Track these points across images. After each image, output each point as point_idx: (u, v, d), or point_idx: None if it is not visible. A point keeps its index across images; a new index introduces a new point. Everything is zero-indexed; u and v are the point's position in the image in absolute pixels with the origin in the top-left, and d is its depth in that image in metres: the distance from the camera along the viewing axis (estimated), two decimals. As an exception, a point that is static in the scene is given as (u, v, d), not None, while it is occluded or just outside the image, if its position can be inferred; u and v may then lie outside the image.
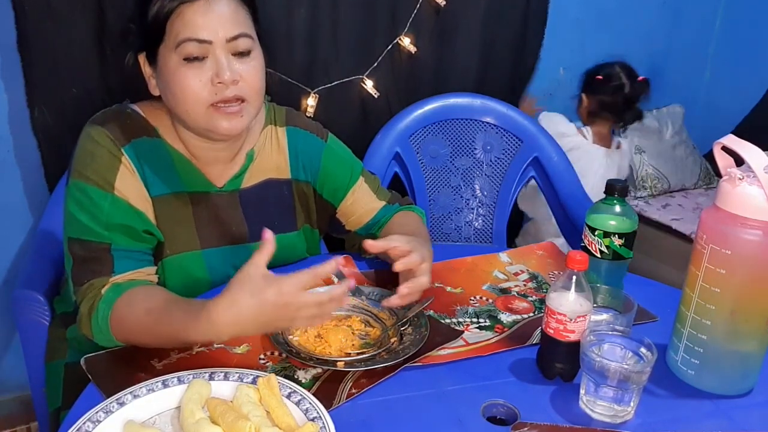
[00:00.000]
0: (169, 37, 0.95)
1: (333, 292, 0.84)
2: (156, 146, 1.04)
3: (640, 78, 2.14)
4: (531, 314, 1.06)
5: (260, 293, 0.80)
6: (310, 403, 0.79)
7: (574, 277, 0.86)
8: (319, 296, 0.83)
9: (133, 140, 1.01)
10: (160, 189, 1.04)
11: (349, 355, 0.92)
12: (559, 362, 0.88)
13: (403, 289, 0.97)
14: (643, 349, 0.84)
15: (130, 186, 1.00)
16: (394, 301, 0.98)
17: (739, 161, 0.83)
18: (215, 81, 0.95)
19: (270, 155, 1.15)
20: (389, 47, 1.90)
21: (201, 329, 0.83)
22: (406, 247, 1.01)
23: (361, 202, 1.21)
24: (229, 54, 0.96)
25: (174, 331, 0.87)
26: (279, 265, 1.18)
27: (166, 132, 1.06)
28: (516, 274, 1.19)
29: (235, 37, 0.96)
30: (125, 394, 0.80)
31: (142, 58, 1.02)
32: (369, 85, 1.89)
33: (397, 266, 1.00)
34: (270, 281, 0.81)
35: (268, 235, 0.83)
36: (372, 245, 1.00)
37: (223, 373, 0.84)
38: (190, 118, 0.99)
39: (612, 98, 2.13)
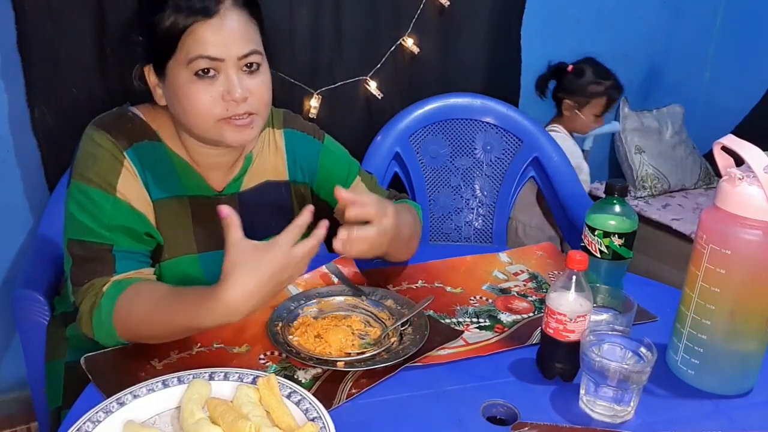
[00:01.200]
0: (181, 52, 0.95)
1: (315, 233, 0.89)
2: (157, 150, 1.05)
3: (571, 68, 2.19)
4: (531, 314, 1.06)
5: (258, 266, 0.84)
6: (310, 403, 0.79)
7: (574, 277, 0.86)
8: (308, 243, 0.88)
9: (135, 144, 1.02)
10: (160, 192, 1.04)
11: (349, 355, 0.92)
12: (559, 362, 0.88)
13: (343, 232, 0.95)
14: (642, 349, 0.84)
15: (131, 189, 1.00)
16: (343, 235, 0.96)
17: (739, 161, 0.83)
18: (226, 98, 0.96)
19: (268, 158, 1.15)
20: (392, 48, 1.90)
21: (215, 314, 0.84)
22: (368, 202, 0.99)
23: None
24: (239, 70, 0.97)
25: (185, 319, 0.87)
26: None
27: (167, 136, 1.06)
28: (516, 274, 1.19)
29: (246, 55, 0.97)
30: (125, 394, 0.80)
31: (148, 69, 1.02)
32: (373, 86, 1.89)
33: (349, 211, 0.97)
34: (261, 251, 0.85)
35: (225, 209, 0.87)
36: (340, 191, 0.98)
37: (223, 373, 0.84)
38: (199, 130, 0.99)
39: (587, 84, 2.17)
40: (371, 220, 0.98)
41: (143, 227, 1.01)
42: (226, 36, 0.95)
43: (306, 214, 0.89)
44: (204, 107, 0.96)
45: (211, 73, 0.96)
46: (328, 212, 1.23)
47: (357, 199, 0.99)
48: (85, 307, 0.94)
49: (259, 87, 0.99)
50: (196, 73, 0.95)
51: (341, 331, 0.96)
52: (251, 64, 0.98)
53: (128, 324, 0.92)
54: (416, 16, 1.88)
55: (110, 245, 0.97)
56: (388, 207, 1.01)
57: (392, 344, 0.95)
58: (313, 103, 1.84)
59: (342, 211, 1.22)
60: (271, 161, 1.16)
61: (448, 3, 1.90)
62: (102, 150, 0.99)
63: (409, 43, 1.90)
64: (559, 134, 2.18)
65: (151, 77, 1.02)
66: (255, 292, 0.83)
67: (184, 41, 0.95)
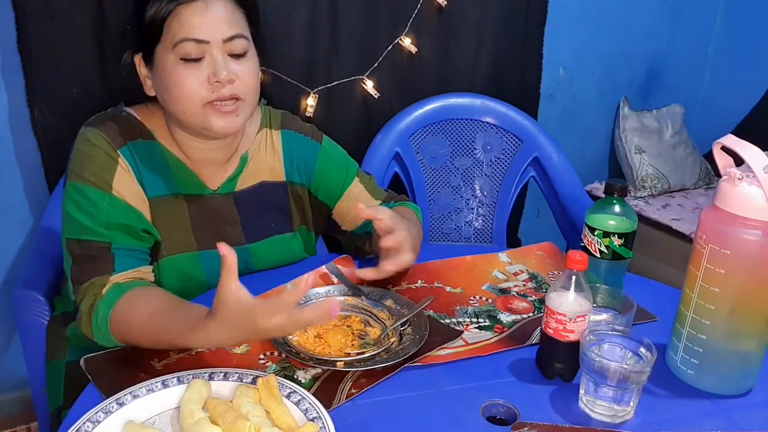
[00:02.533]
0: (166, 37, 0.96)
1: (319, 309, 0.79)
2: (151, 148, 1.05)
3: None
4: (530, 314, 1.06)
5: (246, 324, 0.79)
6: (309, 403, 0.79)
7: (574, 277, 0.86)
8: (318, 311, 0.79)
9: (129, 142, 1.02)
10: (156, 190, 1.04)
11: (348, 355, 0.92)
12: (559, 362, 0.88)
13: (389, 266, 0.97)
14: (642, 349, 0.84)
15: (127, 186, 1.00)
16: (370, 273, 1.00)
17: (739, 161, 0.83)
18: (212, 80, 0.97)
19: (264, 158, 1.16)
20: (390, 47, 1.90)
21: (200, 342, 0.86)
22: (389, 222, 1.03)
23: (356, 202, 1.21)
24: (225, 54, 0.98)
25: (174, 339, 0.88)
26: (279, 265, 1.18)
27: (161, 135, 1.06)
28: (515, 274, 1.19)
29: (231, 38, 0.97)
30: (125, 395, 0.80)
31: (138, 59, 1.02)
32: (369, 85, 1.89)
33: (385, 242, 1.01)
34: (251, 313, 0.78)
35: (224, 249, 0.77)
36: (362, 209, 1.02)
37: (222, 373, 0.84)
38: (186, 116, 0.99)
39: None
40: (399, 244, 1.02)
41: (140, 224, 1.01)
42: (211, 19, 0.96)
43: (311, 279, 0.78)
44: (190, 91, 0.97)
45: (197, 56, 0.96)
46: (327, 213, 1.23)
47: (375, 214, 1.02)
48: (85, 306, 0.95)
49: (245, 72, 0.99)
50: (182, 57, 0.96)
51: (341, 331, 0.96)
52: (238, 49, 0.99)
53: (123, 331, 0.93)
54: (414, 15, 1.88)
55: (108, 243, 0.97)
56: (407, 229, 1.04)
57: (392, 344, 0.95)
58: (310, 102, 1.84)
59: (342, 213, 1.23)
60: (267, 162, 1.16)
61: (446, 2, 1.90)
62: (96, 149, 0.99)
63: (407, 42, 1.90)
64: None
65: (141, 68, 1.03)
66: (240, 337, 0.85)
67: (169, 25, 0.96)
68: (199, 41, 0.95)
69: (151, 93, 1.03)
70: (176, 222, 1.07)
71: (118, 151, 1.00)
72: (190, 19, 0.95)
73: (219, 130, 1.00)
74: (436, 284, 1.14)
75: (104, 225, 0.97)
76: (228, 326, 0.81)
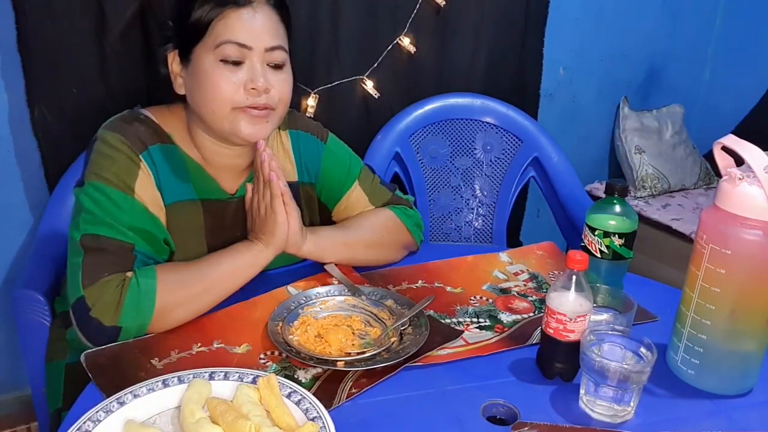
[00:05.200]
0: (210, 37, 0.97)
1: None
2: (171, 153, 1.05)
3: None
4: (531, 314, 1.06)
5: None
6: (310, 402, 0.79)
7: (574, 277, 0.86)
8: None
9: (150, 146, 1.02)
10: (173, 196, 1.04)
11: (349, 354, 0.92)
12: (559, 362, 0.88)
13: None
14: (642, 349, 0.84)
15: (147, 192, 1.00)
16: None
17: (739, 161, 0.83)
18: (248, 86, 0.97)
19: (277, 159, 1.15)
20: (389, 47, 1.90)
21: (254, 254, 1.02)
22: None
23: (354, 207, 1.22)
24: (264, 63, 0.99)
25: (238, 267, 1.00)
26: (283, 266, 1.18)
27: (179, 138, 1.06)
28: (516, 273, 1.19)
29: (273, 48, 0.99)
30: (125, 394, 0.80)
31: (172, 56, 1.03)
32: (369, 85, 1.89)
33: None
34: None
35: (274, 177, 1.00)
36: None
37: (223, 373, 0.84)
38: (216, 118, 0.99)
39: None
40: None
41: (160, 233, 1.01)
42: (257, 27, 0.97)
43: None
44: (225, 92, 0.97)
45: (237, 61, 0.97)
46: (327, 214, 1.24)
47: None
48: (111, 297, 0.91)
49: (280, 83, 1.01)
50: (223, 59, 0.97)
51: (341, 331, 0.96)
52: (278, 59, 1.00)
53: (177, 290, 0.94)
54: (413, 15, 1.88)
55: (132, 244, 0.96)
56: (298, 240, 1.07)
57: (392, 344, 0.95)
58: (311, 103, 1.84)
59: (340, 216, 1.23)
60: (280, 163, 1.16)
61: (444, 2, 1.90)
62: (118, 152, 0.99)
63: (406, 42, 1.90)
64: None
65: (174, 65, 1.03)
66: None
67: (214, 26, 0.97)
68: (242, 45, 0.96)
69: (181, 91, 1.04)
70: (190, 228, 1.07)
71: (140, 156, 1.00)
72: (236, 23, 0.96)
73: (246, 135, 1.00)
74: (436, 284, 1.14)
75: (127, 226, 0.96)
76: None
